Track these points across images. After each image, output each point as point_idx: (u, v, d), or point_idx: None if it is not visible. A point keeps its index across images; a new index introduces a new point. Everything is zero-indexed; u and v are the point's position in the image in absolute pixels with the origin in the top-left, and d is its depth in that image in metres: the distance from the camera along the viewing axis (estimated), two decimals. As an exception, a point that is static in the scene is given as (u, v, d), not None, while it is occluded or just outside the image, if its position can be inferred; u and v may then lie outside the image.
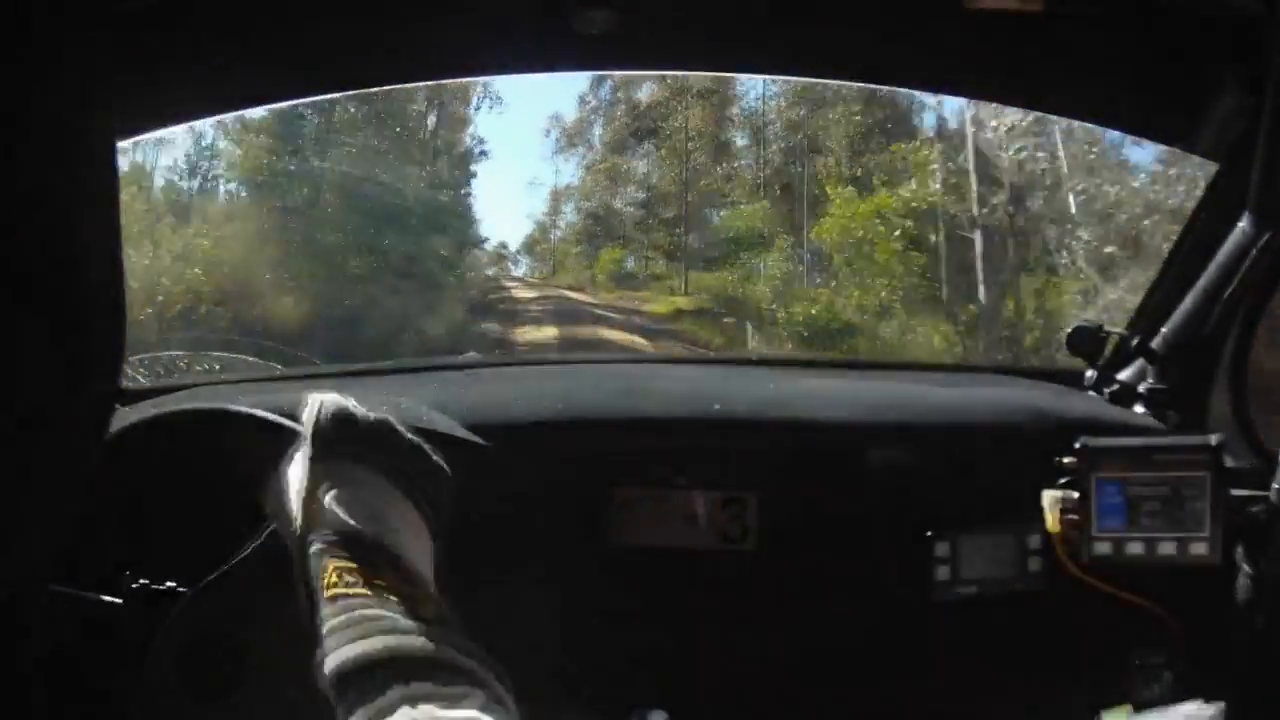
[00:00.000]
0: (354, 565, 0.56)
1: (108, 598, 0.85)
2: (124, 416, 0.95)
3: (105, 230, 0.38)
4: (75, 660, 0.84)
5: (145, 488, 0.91)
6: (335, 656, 0.52)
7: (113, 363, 0.42)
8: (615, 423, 1.13)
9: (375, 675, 0.50)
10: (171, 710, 0.82)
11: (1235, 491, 1.02)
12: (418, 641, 0.52)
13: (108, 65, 0.36)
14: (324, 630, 0.54)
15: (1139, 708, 0.99)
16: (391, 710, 0.48)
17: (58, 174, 0.35)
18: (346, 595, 0.55)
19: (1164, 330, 1.17)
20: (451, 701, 0.49)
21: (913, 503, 1.10)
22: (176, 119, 1.09)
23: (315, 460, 0.61)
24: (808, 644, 1.11)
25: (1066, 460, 1.04)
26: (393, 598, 0.55)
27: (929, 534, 1.07)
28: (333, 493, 0.60)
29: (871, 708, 1.10)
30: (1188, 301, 1.14)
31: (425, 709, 0.48)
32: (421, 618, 0.54)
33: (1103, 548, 1.02)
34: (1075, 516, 1.03)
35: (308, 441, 0.63)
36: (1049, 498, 1.05)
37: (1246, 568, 1.03)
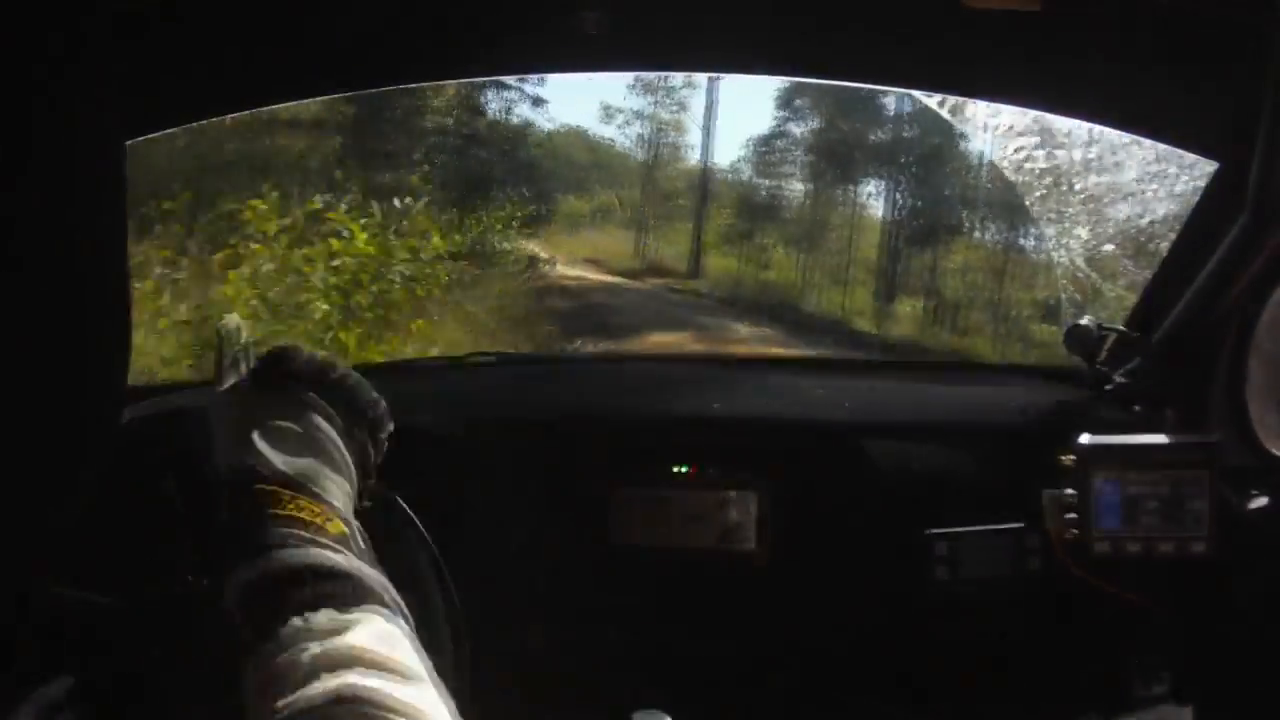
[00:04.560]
0: (272, 495, 0.57)
1: (108, 597, 0.85)
2: (124, 414, 0.95)
3: (112, 229, 0.38)
4: (76, 660, 0.84)
5: (145, 486, 0.91)
6: (241, 573, 0.53)
7: (118, 362, 0.42)
8: (615, 422, 1.14)
9: (277, 589, 0.52)
10: (172, 710, 0.82)
11: (1234, 491, 1.02)
12: (323, 556, 0.54)
13: (115, 65, 0.37)
14: (231, 557, 0.55)
15: (1137, 707, 1.00)
16: (295, 614, 0.49)
17: (65, 174, 0.35)
18: (277, 517, 0.56)
19: (1163, 328, 1.17)
20: (349, 606, 0.50)
21: (911, 502, 1.10)
22: (181, 119, 1.09)
23: (249, 394, 0.64)
24: (807, 643, 1.11)
25: (1065, 459, 1.04)
26: (303, 522, 0.56)
27: (928, 534, 1.08)
28: (258, 430, 0.61)
29: (871, 707, 1.10)
30: (1186, 300, 1.14)
31: (325, 611, 0.49)
32: (329, 539, 0.56)
33: (1102, 547, 1.02)
34: (1074, 516, 1.03)
35: (244, 376, 0.66)
36: (1048, 497, 1.05)
37: (1245, 567, 1.03)
